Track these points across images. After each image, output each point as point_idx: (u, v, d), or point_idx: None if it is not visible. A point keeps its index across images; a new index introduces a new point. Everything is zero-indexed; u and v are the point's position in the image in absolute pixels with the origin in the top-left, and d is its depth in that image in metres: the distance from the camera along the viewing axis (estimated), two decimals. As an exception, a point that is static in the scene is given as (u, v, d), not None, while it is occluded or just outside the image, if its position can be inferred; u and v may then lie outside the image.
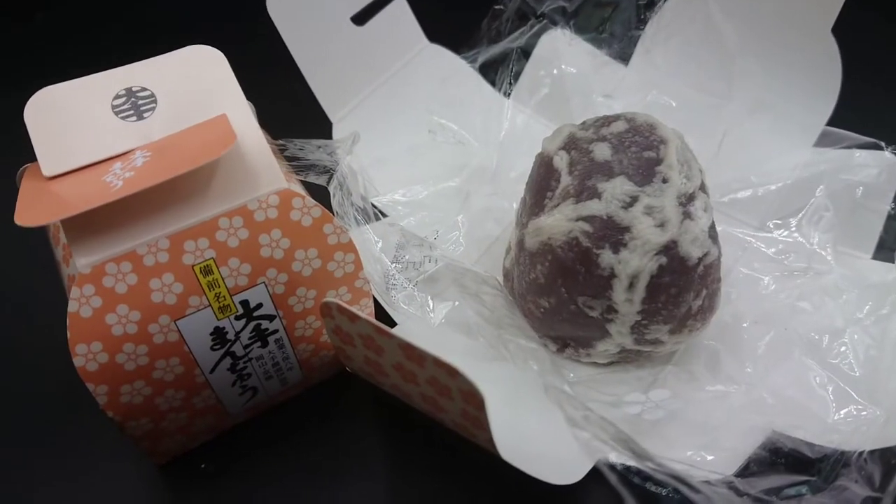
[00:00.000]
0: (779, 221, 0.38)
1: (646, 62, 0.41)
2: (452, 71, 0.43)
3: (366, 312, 0.32)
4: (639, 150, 0.32)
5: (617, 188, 0.31)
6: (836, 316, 0.33)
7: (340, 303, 0.26)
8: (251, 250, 0.28)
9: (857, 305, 0.34)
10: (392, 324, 0.33)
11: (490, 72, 0.42)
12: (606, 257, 0.30)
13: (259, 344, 0.30)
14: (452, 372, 0.23)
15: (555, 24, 0.43)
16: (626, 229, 0.30)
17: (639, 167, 0.31)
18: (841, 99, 0.38)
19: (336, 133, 0.40)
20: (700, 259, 0.30)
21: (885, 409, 0.28)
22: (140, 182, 0.25)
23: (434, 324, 0.33)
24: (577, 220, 0.30)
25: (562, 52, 0.41)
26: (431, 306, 0.33)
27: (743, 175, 0.39)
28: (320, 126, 0.41)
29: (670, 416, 0.30)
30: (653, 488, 0.24)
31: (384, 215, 0.39)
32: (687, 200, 0.31)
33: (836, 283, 0.35)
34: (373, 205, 0.39)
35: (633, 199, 0.30)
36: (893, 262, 0.35)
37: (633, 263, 0.30)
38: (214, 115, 0.29)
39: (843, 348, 0.32)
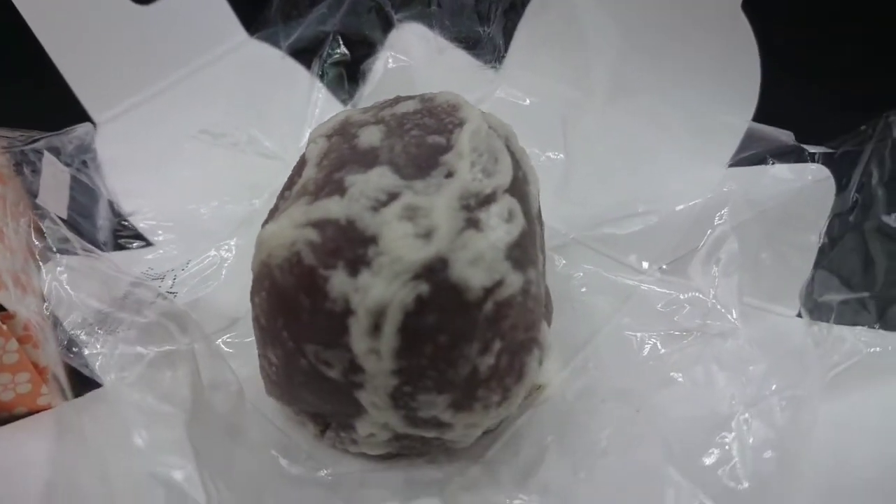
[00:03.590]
0: (672, 264, 0.27)
1: (498, 53, 0.31)
2: (270, 67, 0.33)
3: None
4: (422, 133, 0.22)
5: (371, 181, 0.20)
6: (722, 396, 0.21)
7: None
8: None
9: (764, 382, 0.22)
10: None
11: (305, 61, 0.33)
12: (339, 282, 0.19)
13: None
14: None
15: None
16: (372, 240, 0.19)
17: (416, 156, 0.21)
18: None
19: (100, 139, 0.31)
20: (488, 291, 0.19)
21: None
22: None
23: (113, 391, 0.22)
24: (306, 225, 0.20)
25: (392, 39, 0.32)
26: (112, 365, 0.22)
27: (627, 200, 0.28)
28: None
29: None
30: None
31: (145, 239, 0.30)
32: (477, 203, 0.20)
33: (741, 349, 0.23)
34: (121, 225, 0.29)
35: (391, 197, 0.20)
36: (828, 321, 0.23)
37: (376, 292, 0.19)
38: None
39: (725, 445, 0.20)
